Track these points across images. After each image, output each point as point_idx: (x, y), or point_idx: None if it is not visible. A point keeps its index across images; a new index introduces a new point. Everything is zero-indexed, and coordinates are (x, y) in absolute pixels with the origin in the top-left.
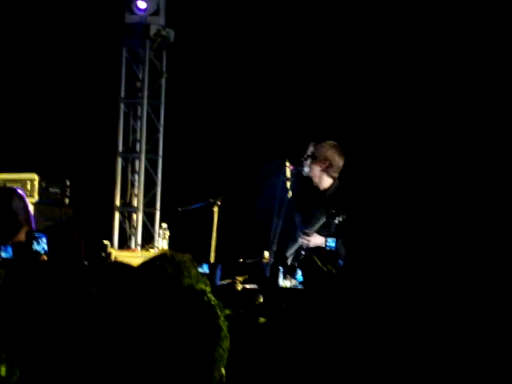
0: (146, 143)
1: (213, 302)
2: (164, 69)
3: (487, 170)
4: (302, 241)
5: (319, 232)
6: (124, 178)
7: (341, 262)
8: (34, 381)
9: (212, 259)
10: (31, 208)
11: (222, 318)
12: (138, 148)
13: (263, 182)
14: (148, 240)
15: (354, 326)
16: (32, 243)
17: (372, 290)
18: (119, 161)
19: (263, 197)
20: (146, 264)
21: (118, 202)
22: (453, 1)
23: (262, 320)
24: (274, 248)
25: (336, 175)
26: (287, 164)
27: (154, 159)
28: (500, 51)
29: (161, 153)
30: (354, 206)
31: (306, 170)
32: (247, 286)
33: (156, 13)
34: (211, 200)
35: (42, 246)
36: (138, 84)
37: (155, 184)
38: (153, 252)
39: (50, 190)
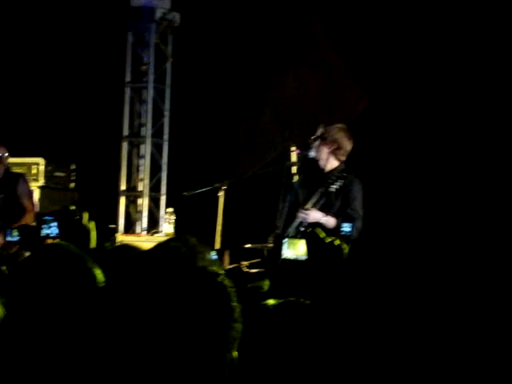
0: (152, 127)
1: (227, 284)
2: (170, 53)
3: (487, 170)
4: (301, 215)
5: (320, 209)
6: (129, 162)
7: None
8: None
9: (218, 244)
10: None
11: (236, 301)
12: (143, 132)
13: (269, 166)
14: (153, 225)
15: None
16: (42, 227)
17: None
18: (125, 145)
19: (269, 181)
20: (160, 245)
21: (123, 187)
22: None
23: (271, 302)
24: (280, 232)
25: (343, 158)
26: (293, 148)
27: (160, 143)
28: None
29: (166, 137)
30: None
31: (312, 153)
32: (252, 271)
33: None
34: (217, 185)
35: (52, 229)
36: (144, 68)
37: (160, 168)
38: (157, 237)
39: (56, 174)
